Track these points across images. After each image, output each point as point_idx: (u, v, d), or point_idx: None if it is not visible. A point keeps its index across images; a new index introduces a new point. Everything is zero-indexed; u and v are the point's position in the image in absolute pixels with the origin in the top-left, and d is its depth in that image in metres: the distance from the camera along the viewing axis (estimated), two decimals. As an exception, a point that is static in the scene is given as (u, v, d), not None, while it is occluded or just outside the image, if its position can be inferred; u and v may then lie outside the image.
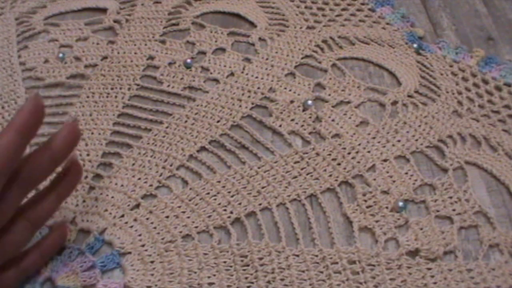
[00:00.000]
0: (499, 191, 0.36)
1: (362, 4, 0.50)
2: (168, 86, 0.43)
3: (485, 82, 0.43)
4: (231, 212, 0.35)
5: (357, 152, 0.38)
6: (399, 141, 0.39)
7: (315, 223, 0.34)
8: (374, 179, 0.36)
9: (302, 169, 0.37)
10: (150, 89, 0.43)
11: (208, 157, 0.38)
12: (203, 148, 0.38)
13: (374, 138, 0.39)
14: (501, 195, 0.36)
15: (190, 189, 0.36)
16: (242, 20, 0.49)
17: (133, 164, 0.37)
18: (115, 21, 0.48)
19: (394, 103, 0.41)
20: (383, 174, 0.37)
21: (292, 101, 0.41)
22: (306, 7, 0.50)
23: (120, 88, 0.43)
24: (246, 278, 0.32)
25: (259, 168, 0.37)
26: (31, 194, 0.30)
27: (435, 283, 0.31)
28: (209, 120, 0.40)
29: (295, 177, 0.37)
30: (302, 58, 0.45)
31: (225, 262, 0.32)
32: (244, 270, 0.32)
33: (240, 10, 0.49)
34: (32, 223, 0.29)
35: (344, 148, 0.38)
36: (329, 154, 0.38)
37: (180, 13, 0.49)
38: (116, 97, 0.42)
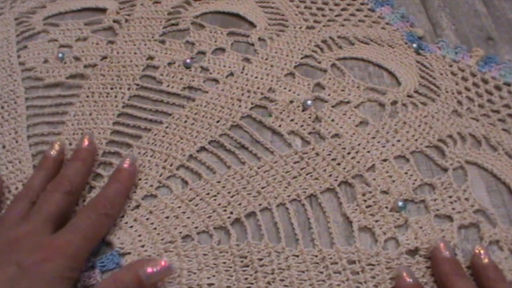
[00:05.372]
0: (498, 191, 0.36)
1: (362, 4, 0.50)
2: (168, 86, 0.43)
3: (485, 81, 0.43)
4: (231, 213, 0.35)
5: (356, 152, 0.38)
6: (398, 141, 0.39)
7: (315, 223, 0.34)
8: (374, 179, 0.36)
9: (301, 169, 0.37)
10: (150, 89, 0.43)
11: (208, 157, 0.38)
12: (203, 148, 0.38)
13: (373, 138, 0.39)
14: (500, 195, 0.36)
15: (190, 189, 0.36)
16: (242, 20, 0.49)
17: (133, 164, 0.37)
18: (114, 21, 0.48)
19: (394, 103, 0.41)
20: (383, 174, 0.37)
21: (291, 101, 0.41)
22: (305, 7, 0.50)
23: (120, 88, 0.43)
24: (246, 279, 0.32)
25: (258, 168, 0.37)
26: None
27: (435, 281, 0.31)
28: (209, 120, 0.40)
29: (295, 177, 0.37)
30: (301, 58, 0.45)
31: (224, 263, 0.32)
32: (243, 271, 0.32)
33: (240, 10, 0.49)
34: None
35: (344, 148, 0.38)
36: (329, 154, 0.38)
37: (179, 13, 0.49)
38: (116, 97, 0.42)
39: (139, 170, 0.37)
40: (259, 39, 0.46)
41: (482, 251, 0.32)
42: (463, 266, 0.32)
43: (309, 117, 0.40)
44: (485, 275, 0.31)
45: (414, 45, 0.46)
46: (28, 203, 0.32)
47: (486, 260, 0.31)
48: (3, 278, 0.27)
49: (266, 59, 0.45)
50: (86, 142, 0.36)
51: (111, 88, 0.43)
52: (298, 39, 0.46)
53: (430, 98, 0.42)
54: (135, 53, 0.45)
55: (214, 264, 0.32)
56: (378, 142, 0.39)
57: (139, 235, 0.34)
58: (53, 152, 0.36)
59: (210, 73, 0.44)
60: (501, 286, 0.30)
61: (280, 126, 0.40)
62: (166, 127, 0.40)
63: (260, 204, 0.35)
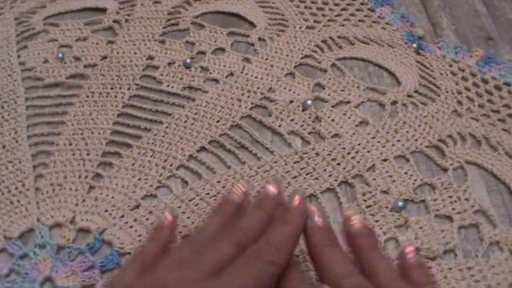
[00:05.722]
0: (498, 191, 0.36)
1: (362, 4, 0.50)
2: (168, 86, 0.43)
3: (485, 81, 0.43)
4: (231, 212, 0.35)
5: (356, 152, 0.38)
6: (398, 141, 0.39)
7: (315, 223, 0.34)
8: (374, 179, 0.36)
9: (301, 169, 0.37)
10: (150, 89, 0.43)
11: (208, 157, 0.38)
12: (203, 148, 0.38)
13: (373, 138, 0.39)
14: (500, 195, 0.36)
15: (190, 189, 0.36)
16: (242, 20, 0.49)
17: (133, 164, 0.37)
18: (114, 21, 0.48)
19: (394, 103, 0.41)
20: (383, 174, 0.37)
21: (291, 101, 0.41)
22: (305, 7, 0.50)
23: (120, 88, 0.43)
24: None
25: (258, 168, 0.37)
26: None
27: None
28: (209, 120, 0.40)
29: (295, 177, 0.37)
30: (301, 58, 0.45)
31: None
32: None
33: (240, 10, 0.49)
34: None
35: (344, 148, 0.38)
36: (329, 154, 0.38)
37: (179, 13, 0.49)
38: (115, 97, 0.42)
39: (141, 171, 0.37)
40: (259, 39, 0.46)
41: (352, 216, 0.29)
42: (464, 265, 0.32)
43: (309, 117, 0.40)
44: (356, 243, 0.28)
45: (414, 45, 0.46)
46: (192, 250, 0.27)
47: (356, 226, 0.28)
48: None
49: (266, 59, 0.45)
50: (271, 189, 0.30)
51: (111, 88, 0.43)
52: (298, 39, 0.46)
53: (430, 98, 0.42)
54: (135, 53, 0.45)
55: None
56: (378, 142, 0.39)
57: (139, 235, 0.34)
58: (234, 197, 0.30)
59: (210, 73, 0.43)
60: (371, 255, 0.27)
61: (280, 126, 0.40)
62: (166, 127, 0.40)
63: (260, 204, 0.35)
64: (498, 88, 0.43)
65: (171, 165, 0.37)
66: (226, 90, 0.42)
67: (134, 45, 0.46)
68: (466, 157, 0.38)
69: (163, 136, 0.39)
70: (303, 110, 0.41)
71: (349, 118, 0.40)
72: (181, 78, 0.43)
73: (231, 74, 0.44)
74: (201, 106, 0.41)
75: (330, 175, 0.37)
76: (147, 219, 0.34)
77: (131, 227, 0.34)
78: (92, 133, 0.39)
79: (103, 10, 0.49)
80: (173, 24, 0.48)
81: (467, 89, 0.42)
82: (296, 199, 0.29)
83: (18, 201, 0.35)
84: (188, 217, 0.34)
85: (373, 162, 0.37)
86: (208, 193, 0.36)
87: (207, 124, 0.40)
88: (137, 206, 0.35)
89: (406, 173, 0.37)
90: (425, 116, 0.40)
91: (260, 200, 0.30)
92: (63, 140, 0.39)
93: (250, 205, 0.30)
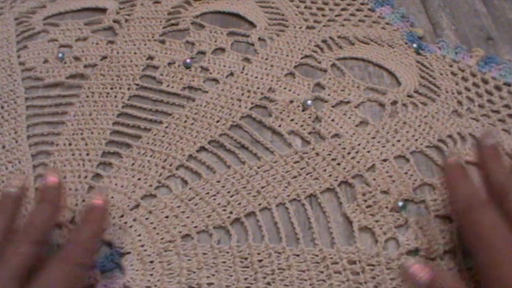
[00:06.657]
0: (499, 191, 0.36)
1: (362, 4, 0.50)
2: (168, 86, 0.43)
3: (485, 81, 0.43)
4: (231, 212, 0.35)
5: (356, 152, 0.38)
6: (398, 141, 0.39)
7: (315, 223, 0.34)
8: (374, 179, 0.36)
9: (301, 169, 0.37)
10: (150, 89, 0.43)
11: (208, 157, 0.38)
12: (202, 148, 0.38)
13: (373, 138, 0.39)
14: (501, 195, 0.36)
15: (190, 189, 0.36)
16: (242, 20, 0.49)
17: (133, 164, 0.37)
18: (114, 21, 0.48)
19: (394, 103, 0.41)
20: (383, 174, 0.37)
21: (291, 101, 0.41)
22: (305, 7, 0.50)
23: (120, 88, 0.43)
24: (246, 279, 0.32)
25: (258, 168, 0.37)
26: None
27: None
28: (209, 120, 0.40)
29: (295, 177, 0.37)
30: (301, 58, 0.45)
31: (224, 262, 0.32)
32: (243, 271, 0.32)
33: (240, 10, 0.49)
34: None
35: (344, 148, 0.38)
36: (329, 154, 0.38)
37: (179, 13, 0.49)
38: (115, 97, 0.42)
39: (140, 171, 0.37)
40: (259, 39, 0.46)
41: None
42: (464, 266, 0.32)
43: (309, 117, 0.40)
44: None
45: (414, 45, 0.45)
46: None
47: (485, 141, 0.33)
48: None
49: (266, 59, 0.45)
50: (51, 179, 0.31)
51: (111, 88, 0.43)
52: (298, 39, 0.46)
53: (430, 98, 0.42)
54: (135, 53, 0.45)
55: (214, 263, 0.32)
56: (378, 142, 0.39)
57: (139, 235, 0.34)
58: (12, 190, 0.30)
59: (210, 73, 0.43)
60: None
61: (280, 126, 0.40)
62: (166, 127, 0.40)
63: (260, 204, 0.35)
64: (498, 88, 0.43)
65: (170, 165, 0.37)
66: (226, 90, 0.42)
67: (134, 45, 0.46)
68: (466, 157, 0.38)
69: (163, 136, 0.39)
70: (303, 110, 0.41)
71: (349, 118, 0.40)
72: (181, 78, 0.43)
73: (231, 74, 0.44)
74: (201, 106, 0.41)
75: (330, 175, 0.37)
76: (146, 218, 0.35)
77: (130, 227, 0.34)
78: (92, 133, 0.39)
79: (103, 10, 0.49)
80: (173, 24, 0.48)
81: (467, 89, 0.42)
82: (97, 198, 0.31)
83: (18, 201, 0.35)
84: (188, 217, 0.34)
85: (373, 162, 0.37)
86: (207, 193, 0.36)
87: (207, 124, 0.40)
88: (137, 206, 0.35)
89: (406, 173, 0.37)
90: (425, 116, 0.40)
91: (41, 191, 0.31)
92: (63, 140, 0.39)
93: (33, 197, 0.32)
